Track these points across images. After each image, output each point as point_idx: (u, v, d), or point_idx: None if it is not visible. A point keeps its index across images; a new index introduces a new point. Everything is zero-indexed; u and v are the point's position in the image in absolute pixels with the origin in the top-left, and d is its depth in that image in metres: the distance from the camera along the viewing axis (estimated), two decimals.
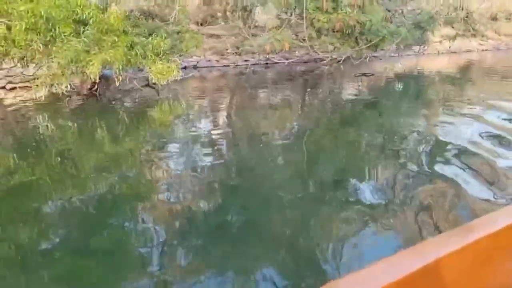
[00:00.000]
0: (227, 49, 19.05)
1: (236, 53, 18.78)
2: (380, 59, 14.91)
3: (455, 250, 0.99)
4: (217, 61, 18.28)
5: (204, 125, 7.57)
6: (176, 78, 8.88)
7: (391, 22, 13.45)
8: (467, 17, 20.85)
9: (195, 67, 17.17)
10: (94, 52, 7.32)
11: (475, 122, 6.70)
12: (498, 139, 5.73)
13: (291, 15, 13.49)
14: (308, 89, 11.83)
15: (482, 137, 5.83)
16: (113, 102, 9.51)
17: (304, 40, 13.28)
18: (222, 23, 20.05)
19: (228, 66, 18.16)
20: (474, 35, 20.45)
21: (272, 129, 7.23)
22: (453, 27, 20.69)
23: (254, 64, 17.07)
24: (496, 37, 22.91)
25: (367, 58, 13.57)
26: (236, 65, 18.13)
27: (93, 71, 7.16)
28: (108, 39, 7.60)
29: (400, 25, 13.19)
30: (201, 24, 19.47)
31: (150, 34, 10.98)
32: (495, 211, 1.20)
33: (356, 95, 10.58)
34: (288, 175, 4.96)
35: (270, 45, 13.31)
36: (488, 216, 1.18)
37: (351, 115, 8.35)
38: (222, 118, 8.51)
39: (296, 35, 13.83)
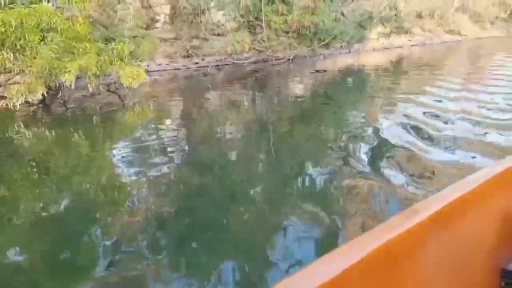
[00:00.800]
0: (176, 52, 19.33)
1: (185, 56, 19.11)
2: (326, 57, 16.12)
3: (384, 243, 0.98)
4: (167, 64, 18.46)
5: (163, 129, 7.78)
6: (145, 81, 9.18)
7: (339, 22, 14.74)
8: (395, 15, 22.87)
9: (146, 71, 17.19)
10: (69, 59, 7.47)
11: (405, 115, 7.31)
12: (421, 132, 6.18)
13: (249, 18, 14.22)
14: (264, 88, 12.58)
15: (407, 130, 6.31)
16: (71, 109, 9.53)
17: (263, 41, 14.09)
18: (168, 26, 20.28)
19: (179, 69, 18.41)
20: (406, 32, 22.51)
21: (237, 126, 7.71)
22: (384, 25, 22.58)
23: (208, 66, 17.49)
24: (422, 33, 25.25)
25: (321, 56, 14.74)
26: (187, 68, 18.44)
27: (70, 77, 7.31)
28: (79, 45, 7.77)
29: (346, 25, 14.48)
30: (145, 28, 19.53)
31: (106, 40, 11.11)
32: (418, 202, 1.22)
33: (310, 89, 11.53)
34: (239, 169, 5.34)
35: (231, 47, 13.94)
36: (420, 203, 1.20)
37: (306, 108, 9.15)
38: (180, 121, 8.75)
39: (254, 37, 14.58)
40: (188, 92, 12.74)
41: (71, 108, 9.52)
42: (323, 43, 13.94)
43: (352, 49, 16.48)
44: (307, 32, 13.39)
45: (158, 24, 20.25)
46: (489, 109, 7.20)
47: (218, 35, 15.63)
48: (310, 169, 5.07)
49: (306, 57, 14.63)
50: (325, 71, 13.30)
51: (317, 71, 13.12)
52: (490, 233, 1.45)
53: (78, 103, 9.93)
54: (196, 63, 18.64)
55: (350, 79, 12.56)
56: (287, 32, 13.68)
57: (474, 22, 28.86)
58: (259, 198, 4.41)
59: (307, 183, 4.63)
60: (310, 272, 0.90)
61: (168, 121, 8.59)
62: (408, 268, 1.09)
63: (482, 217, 1.40)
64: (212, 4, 14.51)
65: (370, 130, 6.54)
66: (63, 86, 7.98)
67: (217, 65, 17.58)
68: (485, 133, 5.87)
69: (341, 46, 15.61)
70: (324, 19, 13.40)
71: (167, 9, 20.13)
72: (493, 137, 5.70)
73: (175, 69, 18.13)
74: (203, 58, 18.53)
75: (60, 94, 9.56)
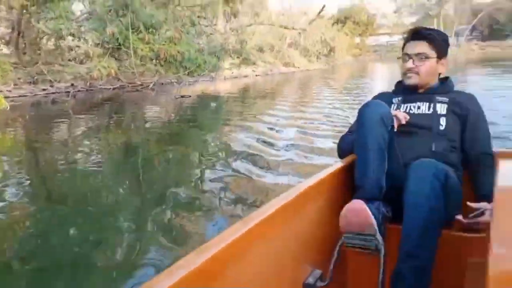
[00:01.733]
0: (20, 78, 17.95)
1: (31, 82, 17.88)
2: (190, 84, 17.06)
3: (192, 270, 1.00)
4: (10, 91, 16.91)
5: (8, 161, 7.26)
6: (5, 107, 8.63)
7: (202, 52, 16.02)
8: (242, 48, 25.49)
9: None
10: None
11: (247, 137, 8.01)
12: (261, 156, 6.63)
13: (115, 44, 14.26)
14: (124, 113, 12.79)
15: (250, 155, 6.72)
16: None
17: (132, 67, 14.22)
18: (8, 50, 18.74)
19: (26, 96, 17.11)
20: (252, 63, 25.23)
21: (93, 154, 7.49)
22: (232, 57, 24.93)
23: (59, 93, 16.67)
24: (263, 65, 28.50)
25: (186, 83, 15.61)
26: (35, 95, 17.27)
27: None
28: None
29: (207, 55, 15.86)
30: None
31: None
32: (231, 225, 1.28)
33: (175, 113, 12.28)
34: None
35: (97, 72, 13.74)
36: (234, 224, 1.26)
37: (167, 132, 9.55)
38: (28, 152, 8.13)
39: (121, 63, 14.58)
40: (37, 120, 11.93)
41: None
42: (188, 71, 15.01)
43: (213, 78, 17.91)
44: (174, 60, 14.27)
45: None
46: (315, 135, 8.09)
47: (76, 59, 15.16)
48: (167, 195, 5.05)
49: (172, 83, 15.42)
50: (190, 96, 14.34)
51: (182, 96, 14.04)
52: (292, 249, 1.53)
53: None
54: (44, 89, 17.56)
55: (212, 104, 13.80)
56: (152, 60, 14.28)
57: (303, 56, 33.81)
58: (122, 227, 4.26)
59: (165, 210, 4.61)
60: None
61: (14, 152, 7.97)
62: None
63: (284, 235, 1.46)
64: (75, 29, 14.13)
65: (221, 154, 7.12)
66: None
67: (71, 91, 16.81)
68: (311, 157, 6.55)
69: (203, 74, 17.00)
70: (190, 49, 14.54)
71: None
72: (317, 159, 6.36)
73: (20, 96, 16.73)
74: (51, 84, 17.56)
75: None
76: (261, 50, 26.91)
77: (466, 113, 2.04)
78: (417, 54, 2.06)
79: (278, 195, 1.53)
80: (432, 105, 2.05)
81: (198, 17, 15.39)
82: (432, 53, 2.07)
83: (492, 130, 2.16)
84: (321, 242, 1.75)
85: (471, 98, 2.14)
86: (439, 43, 2.09)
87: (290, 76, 28.25)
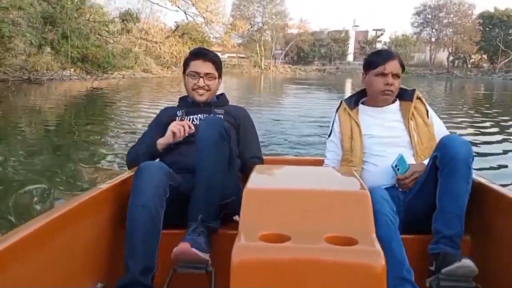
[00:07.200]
0: None
1: None
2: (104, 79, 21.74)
3: None
4: None
5: None
6: None
7: None
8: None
9: None
10: None
11: None
12: None
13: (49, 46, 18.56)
14: None
15: None
16: None
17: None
18: None
19: None
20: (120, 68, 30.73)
21: None
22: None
23: None
24: (125, 70, 34.07)
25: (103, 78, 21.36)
26: None
27: None
28: None
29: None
30: None
31: None
32: None
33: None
34: None
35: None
36: None
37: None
38: None
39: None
40: None
41: None
42: (107, 69, 20.79)
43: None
44: (97, 61, 19.71)
45: None
46: None
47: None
48: None
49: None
50: (102, 88, 20.09)
51: (94, 88, 19.75)
52: (76, 259, 1.55)
53: None
54: None
55: (118, 95, 19.47)
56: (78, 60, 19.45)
57: (157, 65, 40.46)
58: None
59: None
60: None
61: None
62: None
63: (65, 243, 1.47)
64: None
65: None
66: None
67: None
68: None
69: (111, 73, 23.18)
70: (109, 54, 20.41)
71: None
72: None
73: None
74: None
75: None
76: (125, 57, 32.63)
77: (238, 123, 2.39)
78: (207, 74, 2.32)
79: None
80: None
81: (105, 31, 20.76)
82: (216, 74, 2.38)
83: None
84: (107, 254, 1.77)
85: (243, 111, 2.51)
86: (219, 65, 2.42)
87: (150, 80, 34.45)
